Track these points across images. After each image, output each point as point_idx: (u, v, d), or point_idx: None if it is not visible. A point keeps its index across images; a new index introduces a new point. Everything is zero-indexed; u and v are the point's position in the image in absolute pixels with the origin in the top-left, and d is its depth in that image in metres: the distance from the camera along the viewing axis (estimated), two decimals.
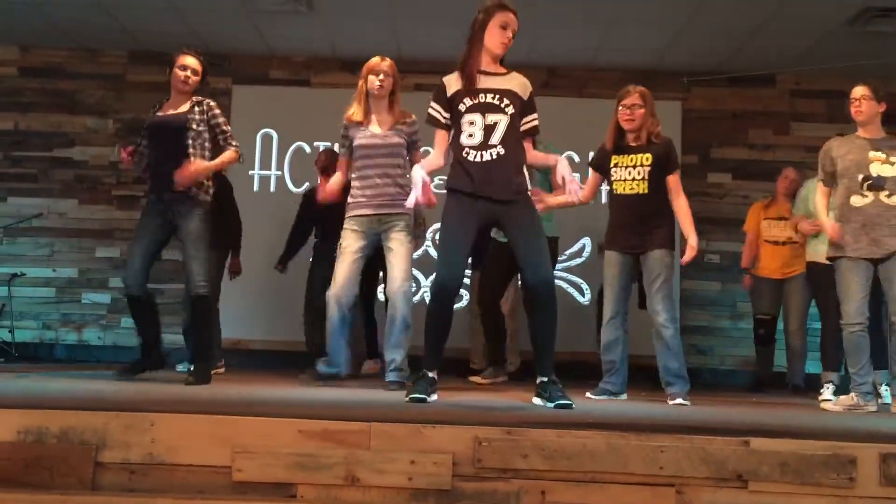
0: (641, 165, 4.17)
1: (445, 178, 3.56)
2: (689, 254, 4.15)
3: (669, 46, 6.94)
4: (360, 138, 4.37)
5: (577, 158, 6.72)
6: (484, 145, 3.42)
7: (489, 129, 3.43)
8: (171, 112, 4.27)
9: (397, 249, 4.29)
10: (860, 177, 4.15)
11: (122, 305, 7.16)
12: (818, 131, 7.34)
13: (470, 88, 3.46)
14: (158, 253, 4.27)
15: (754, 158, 7.45)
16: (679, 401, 3.98)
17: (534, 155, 3.63)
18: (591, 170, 4.46)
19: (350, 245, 4.32)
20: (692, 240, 4.14)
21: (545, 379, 3.38)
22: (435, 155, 3.58)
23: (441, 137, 3.57)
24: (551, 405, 3.25)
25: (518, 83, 3.52)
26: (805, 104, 7.48)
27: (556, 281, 6.69)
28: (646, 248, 4.14)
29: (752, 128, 7.47)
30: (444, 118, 3.53)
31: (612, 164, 4.23)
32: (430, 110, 3.55)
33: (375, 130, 4.38)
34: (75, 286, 7.41)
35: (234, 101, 7.42)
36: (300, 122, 7.40)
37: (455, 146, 3.50)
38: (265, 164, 7.43)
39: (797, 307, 5.85)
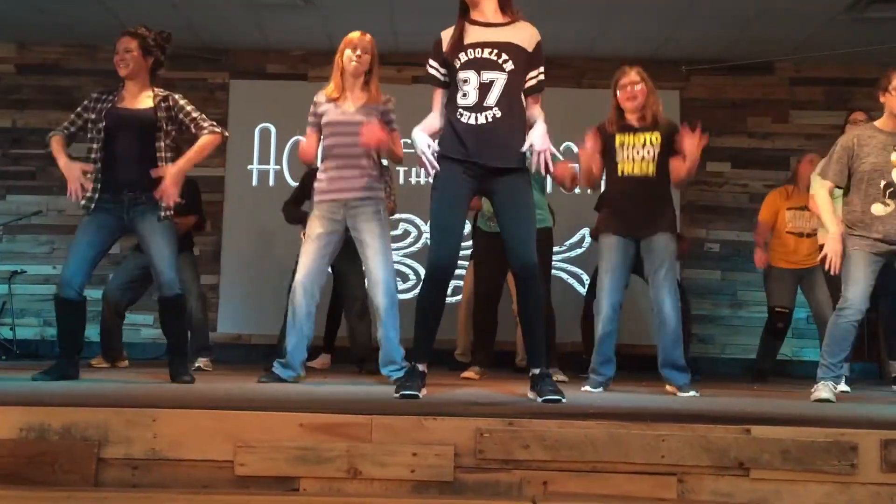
0: (651, 145, 3.97)
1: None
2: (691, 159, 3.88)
3: (668, 35, 6.92)
4: (330, 115, 4.04)
5: (575, 149, 6.70)
6: (478, 106, 3.16)
7: (485, 88, 3.15)
8: (136, 107, 3.90)
9: (370, 242, 3.96)
10: (882, 183, 3.79)
11: None
12: (817, 119, 7.35)
13: (465, 43, 3.19)
14: (102, 257, 3.91)
15: (753, 147, 7.44)
16: (692, 393, 3.84)
17: (533, 112, 3.30)
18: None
19: (314, 230, 3.97)
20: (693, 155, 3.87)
21: (536, 371, 3.22)
22: (432, 115, 3.32)
23: (439, 96, 3.32)
24: (540, 400, 3.08)
25: (523, 35, 3.22)
26: (804, 92, 7.47)
27: (555, 272, 6.70)
28: (650, 233, 3.95)
29: (751, 116, 7.46)
30: (442, 75, 3.26)
31: (617, 144, 4.01)
32: (428, 67, 3.31)
33: (347, 108, 4.04)
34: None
35: (231, 95, 7.41)
36: (298, 115, 7.27)
37: (449, 107, 3.25)
38: (264, 159, 7.42)
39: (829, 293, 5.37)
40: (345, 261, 5.05)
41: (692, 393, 3.85)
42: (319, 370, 5.41)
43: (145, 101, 3.92)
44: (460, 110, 3.18)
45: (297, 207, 5.46)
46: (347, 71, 4.05)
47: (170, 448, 2.47)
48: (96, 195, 3.82)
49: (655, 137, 3.97)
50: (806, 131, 7.33)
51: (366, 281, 4.12)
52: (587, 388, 4.01)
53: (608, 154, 4.05)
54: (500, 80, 3.16)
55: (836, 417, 2.80)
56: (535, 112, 3.29)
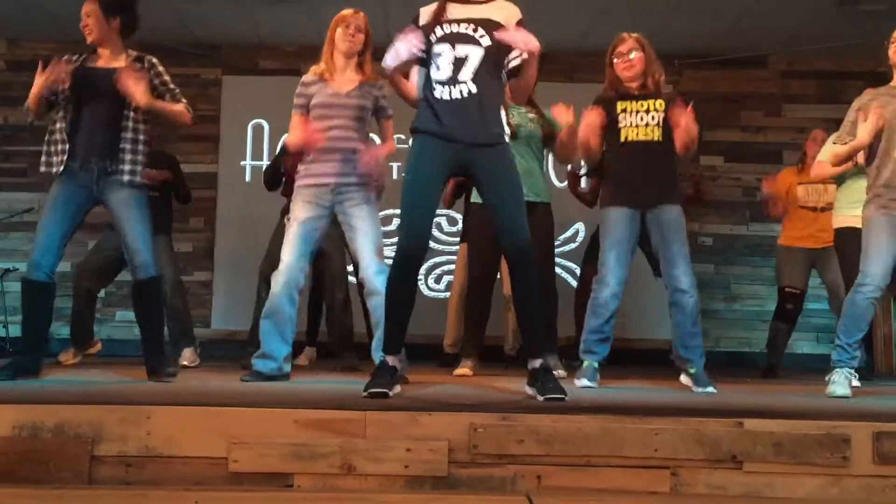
0: (655, 111, 3.79)
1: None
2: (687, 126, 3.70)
3: (660, 29, 6.90)
4: (320, 95, 3.84)
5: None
6: (452, 80, 3.04)
7: (459, 63, 3.04)
8: (106, 66, 3.63)
9: (361, 227, 3.75)
10: None
11: (116, 299, 7.17)
12: (810, 112, 7.35)
13: (442, 17, 3.11)
14: (74, 233, 3.61)
15: (747, 140, 7.45)
16: (711, 389, 3.64)
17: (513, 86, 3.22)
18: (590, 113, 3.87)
19: (300, 214, 3.77)
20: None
21: (536, 365, 3.03)
22: (410, 87, 3.20)
23: (415, 72, 3.20)
24: (541, 398, 2.91)
25: (503, 13, 3.12)
26: (797, 85, 7.48)
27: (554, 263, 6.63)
28: (658, 202, 3.73)
29: (743, 110, 7.47)
30: (421, 51, 3.10)
31: (619, 110, 3.81)
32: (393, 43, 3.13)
33: (339, 89, 3.84)
34: (68, 280, 7.31)
35: (224, 91, 7.39)
36: (291, 112, 7.36)
37: (426, 83, 3.14)
38: (257, 155, 7.40)
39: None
40: (328, 250, 5.00)
41: (710, 389, 3.64)
42: (305, 366, 5.35)
43: (118, 62, 3.66)
44: (434, 84, 3.08)
45: (277, 170, 5.28)
46: (340, 50, 3.89)
47: (163, 445, 2.47)
48: (62, 161, 3.52)
49: (659, 104, 3.80)
50: (798, 125, 7.33)
51: (355, 267, 3.90)
52: (587, 383, 3.75)
53: (610, 121, 3.83)
54: (474, 54, 3.04)
55: (828, 410, 2.82)
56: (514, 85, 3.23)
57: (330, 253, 5.03)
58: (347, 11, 3.95)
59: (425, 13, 3.17)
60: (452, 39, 3.06)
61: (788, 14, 6.57)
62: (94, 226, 7.27)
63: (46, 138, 3.64)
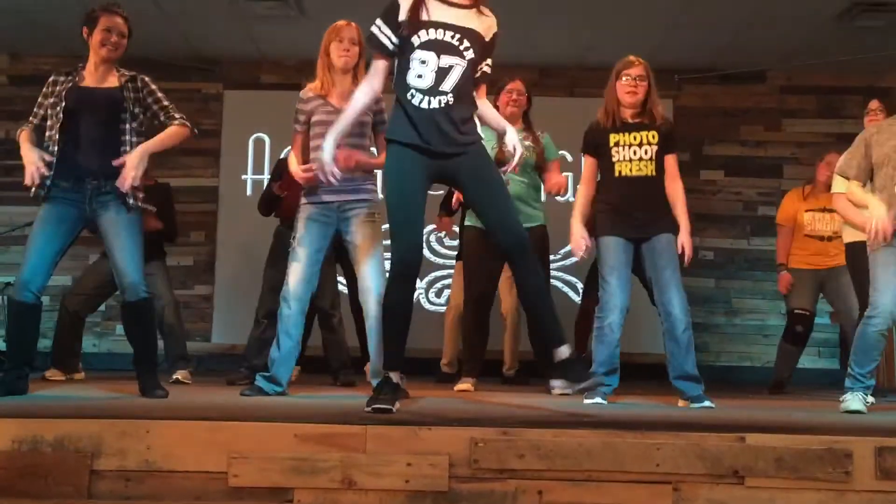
0: (648, 144, 3.77)
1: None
2: (688, 250, 3.74)
3: (660, 44, 6.95)
4: (320, 114, 3.78)
5: (570, 157, 6.72)
6: (433, 90, 2.99)
7: (442, 73, 2.98)
8: (101, 86, 3.57)
9: (363, 245, 3.71)
10: None
11: (115, 313, 7.14)
12: (809, 127, 7.38)
13: (425, 19, 2.99)
14: (63, 254, 3.56)
15: (746, 155, 7.46)
16: (707, 403, 3.65)
17: (486, 108, 3.22)
18: (585, 157, 3.92)
19: (305, 235, 3.73)
20: (686, 233, 3.76)
21: (565, 355, 2.96)
22: (369, 83, 3.12)
23: (382, 67, 3.09)
24: (577, 388, 2.93)
25: (484, 24, 3.08)
26: (796, 100, 7.50)
27: (550, 280, 6.66)
28: (652, 234, 3.75)
29: (743, 124, 7.49)
30: (392, 44, 3.03)
31: (612, 143, 3.79)
32: (376, 30, 3.06)
33: (338, 105, 3.73)
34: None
35: (225, 105, 7.41)
36: (292, 126, 7.39)
37: (399, 85, 3.04)
38: (258, 169, 7.42)
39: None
40: (322, 269, 4.97)
41: (706, 403, 3.66)
42: (293, 382, 5.31)
43: (111, 80, 3.60)
44: (413, 91, 3.00)
45: (271, 199, 5.25)
46: (336, 66, 3.83)
47: (163, 459, 2.46)
48: (49, 182, 3.45)
49: (652, 136, 3.78)
50: (798, 139, 7.36)
51: (350, 284, 3.86)
52: (599, 400, 3.70)
53: (602, 153, 3.84)
54: (458, 66, 3.00)
55: (830, 425, 2.81)
56: (488, 106, 3.25)
57: (326, 272, 5.01)
58: (340, 23, 3.88)
59: (405, 4, 3.03)
60: (438, 48, 2.99)
61: (787, 29, 6.60)
62: (91, 240, 7.35)
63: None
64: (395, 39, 3.03)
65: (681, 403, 3.81)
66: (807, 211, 5.39)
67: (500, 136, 3.25)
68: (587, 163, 3.92)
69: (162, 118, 3.63)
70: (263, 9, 6.42)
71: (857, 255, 4.38)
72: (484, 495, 2.44)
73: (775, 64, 7.25)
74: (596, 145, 3.87)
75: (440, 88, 2.99)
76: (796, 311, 5.41)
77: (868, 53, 6.70)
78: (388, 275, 3.09)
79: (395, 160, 3.04)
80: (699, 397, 3.71)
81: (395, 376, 3.05)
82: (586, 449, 2.46)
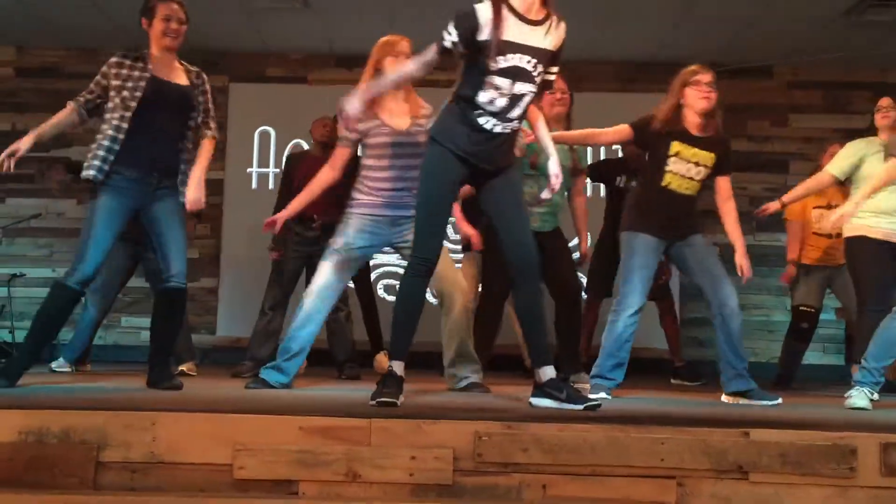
0: (704, 166, 3.72)
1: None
2: (747, 270, 3.78)
3: (666, 39, 6.93)
4: (377, 135, 3.73)
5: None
6: (502, 116, 2.98)
7: (514, 100, 2.97)
8: (175, 80, 3.59)
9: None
10: None
11: (122, 304, 7.17)
12: (816, 122, 7.35)
13: (507, 40, 2.91)
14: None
15: (753, 150, 7.43)
16: (778, 401, 3.60)
17: (541, 127, 3.20)
18: (626, 126, 3.80)
19: (353, 243, 3.74)
20: (743, 251, 3.80)
21: (550, 376, 3.01)
22: (424, 67, 3.03)
23: (435, 62, 3.01)
24: (580, 407, 2.87)
25: (556, 38, 3.03)
26: (803, 95, 7.47)
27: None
28: (687, 234, 3.74)
29: (750, 120, 7.46)
30: (459, 53, 2.95)
31: (671, 152, 3.68)
32: (447, 36, 2.92)
33: (395, 125, 3.73)
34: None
35: (230, 98, 7.41)
36: (298, 119, 7.36)
37: (466, 97, 2.98)
38: (263, 162, 7.42)
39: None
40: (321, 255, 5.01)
41: (779, 401, 3.60)
42: (299, 375, 5.34)
43: (180, 75, 3.62)
44: (481, 111, 2.97)
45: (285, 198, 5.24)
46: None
47: (168, 451, 2.47)
48: (114, 170, 3.42)
49: (710, 158, 3.73)
50: (805, 135, 7.33)
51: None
52: (601, 393, 3.64)
53: (655, 154, 3.74)
54: (528, 94, 3.00)
55: (835, 421, 2.80)
56: (542, 126, 3.22)
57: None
58: (394, 38, 3.77)
59: (484, 20, 2.90)
60: (514, 75, 2.94)
61: (794, 24, 6.57)
62: None
63: (96, 142, 3.52)
64: (462, 50, 2.95)
65: (726, 399, 3.74)
66: (814, 207, 5.35)
67: (543, 151, 3.23)
68: (623, 130, 3.79)
69: (200, 120, 3.64)
70: (269, 1, 6.42)
71: (855, 249, 4.38)
72: (488, 489, 2.45)
73: (782, 59, 7.22)
74: (649, 140, 3.76)
75: (508, 116, 3.00)
76: (801, 307, 5.39)
77: (876, 49, 6.67)
78: (408, 269, 3.11)
79: (437, 162, 3.04)
80: (763, 394, 3.66)
81: (399, 369, 3.04)
82: (591, 443, 2.46)
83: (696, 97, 3.68)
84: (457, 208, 4.86)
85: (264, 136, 7.43)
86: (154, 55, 3.59)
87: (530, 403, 3.04)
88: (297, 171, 5.13)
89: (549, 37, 3.02)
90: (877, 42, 6.67)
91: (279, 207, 5.32)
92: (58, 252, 7.39)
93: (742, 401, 3.65)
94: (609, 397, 3.66)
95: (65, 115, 3.61)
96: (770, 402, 3.61)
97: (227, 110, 7.37)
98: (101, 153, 3.45)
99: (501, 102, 2.96)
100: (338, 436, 2.48)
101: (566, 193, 4.66)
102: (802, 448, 2.46)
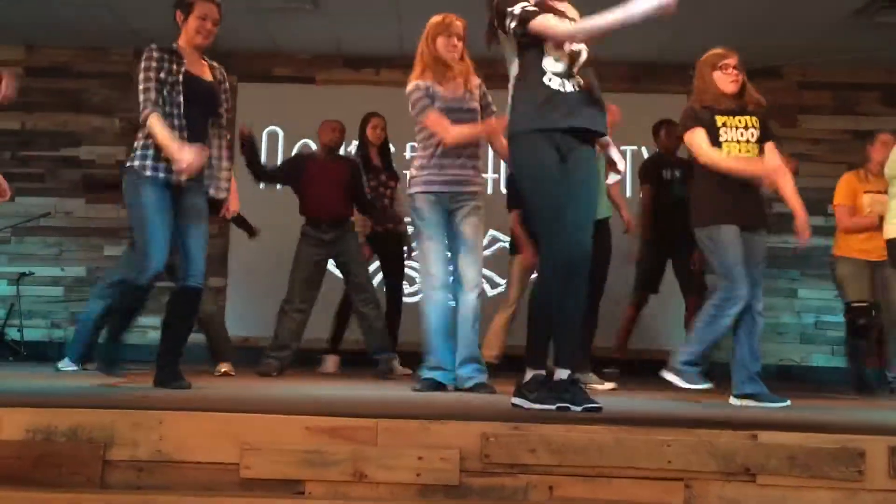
0: (753, 127, 3.77)
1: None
2: (808, 233, 3.80)
3: (674, 39, 6.91)
4: (437, 101, 3.82)
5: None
6: (567, 73, 2.97)
7: (573, 57, 2.99)
8: (204, 77, 3.64)
9: (469, 236, 3.80)
10: None
11: None
12: (825, 123, 7.33)
13: (552, 6, 3.02)
14: None
15: None
16: (786, 403, 3.61)
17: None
18: (694, 130, 3.75)
19: (430, 218, 3.78)
20: (804, 216, 3.80)
21: (564, 376, 2.94)
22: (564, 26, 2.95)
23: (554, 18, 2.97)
24: (579, 409, 2.84)
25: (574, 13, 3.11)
26: (812, 96, 7.45)
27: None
28: (756, 227, 3.75)
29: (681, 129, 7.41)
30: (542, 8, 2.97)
31: (719, 124, 3.74)
32: (518, 6, 2.95)
33: (453, 95, 3.84)
34: (83, 285, 7.43)
35: (238, 98, 7.42)
36: (305, 119, 7.39)
37: (529, 69, 2.98)
38: (271, 162, 7.39)
39: None
40: (347, 251, 5.12)
41: (787, 403, 3.60)
42: (332, 374, 5.40)
43: (205, 70, 3.67)
44: (550, 75, 2.96)
45: (263, 169, 5.55)
46: (444, 58, 3.84)
47: (175, 450, 2.47)
48: (165, 164, 3.45)
49: (754, 120, 3.79)
50: (814, 136, 7.32)
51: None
52: (689, 385, 3.65)
53: (707, 131, 3.75)
54: (584, 51, 3.02)
55: (843, 423, 2.79)
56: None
57: (352, 267, 5.16)
58: (449, 17, 3.86)
59: None
60: None
61: (804, 25, 6.55)
62: (106, 230, 7.41)
63: (145, 136, 3.51)
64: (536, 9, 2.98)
65: (734, 401, 3.72)
66: (866, 192, 5.23)
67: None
68: (698, 132, 3.75)
69: (217, 115, 3.67)
70: (278, 2, 6.43)
71: None
72: (495, 490, 2.44)
73: (791, 59, 7.20)
74: (702, 124, 3.76)
75: (572, 72, 2.99)
76: (854, 304, 5.22)
77: (886, 50, 6.64)
78: (540, 272, 3.04)
79: (528, 155, 2.94)
80: (773, 397, 3.65)
81: (542, 372, 2.97)
82: (598, 445, 2.45)
83: (726, 81, 3.79)
84: (515, 215, 4.90)
85: (272, 137, 7.45)
86: (183, 49, 3.60)
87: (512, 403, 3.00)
88: (302, 172, 5.20)
89: (574, 11, 3.11)
90: (886, 43, 6.64)
91: (259, 167, 5.56)
92: (66, 251, 7.42)
93: (750, 403, 3.64)
94: (711, 385, 3.69)
95: (164, 122, 3.47)
96: (779, 405, 3.60)
97: (234, 110, 7.38)
98: (145, 144, 3.48)
99: (564, 60, 2.97)
100: (344, 435, 2.48)
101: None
102: (810, 450, 2.45)
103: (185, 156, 3.36)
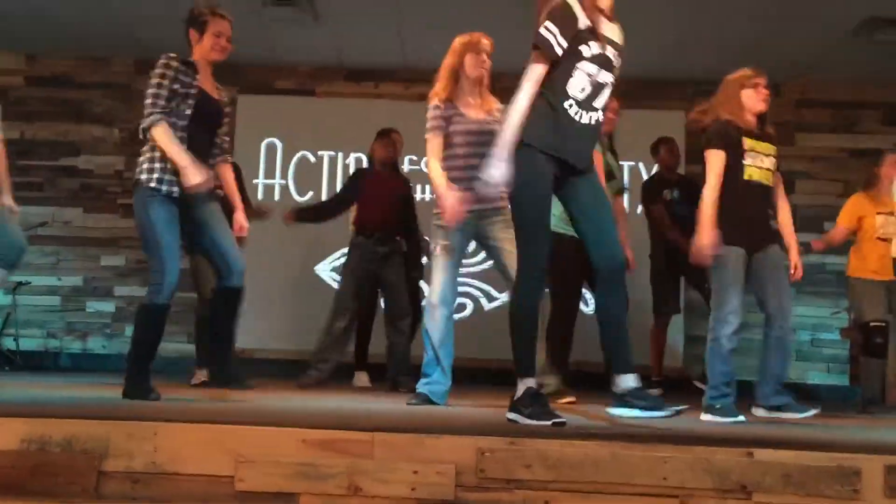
0: (773, 157, 3.84)
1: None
2: (800, 270, 3.86)
3: (673, 56, 6.95)
4: (459, 123, 3.84)
5: None
6: (588, 105, 2.96)
7: (598, 89, 2.97)
8: (214, 95, 3.66)
9: (511, 248, 3.70)
10: None
11: (126, 314, 7.19)
12: (823, 141, 7.35)
13: (596, 31, 2.96)
14: None
15: None
16: (813, 412, 3.68)
17: None
18: (715, 151, 3.77)
19: (449, 242, 3.81)
20: (797, 252, 3.87)
21: (630, 384, 2.97)
22: (532, 91, 2.91)
23: (542, 74, 2.92)
24: (666, 414, 2.90)
25: (621, 39, 3.10)
26: (810, 114, 7.47)
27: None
28: (766, 245, 3.79)
29: (705, 142, 7.44)
30: (561, 48, 2.90)
31: (746, 147, 3.76)
32: (549, 35, 2.89)
33: (474, 116, 3.86)
34: (80, 294, 7.43)
35: (239, 110, 7.44)
36: (305, 131, 7.44)
37: (554, 90, 2.94)
38: (269, 174, 7.45)
39: None
40: (395, 273, 5.15)
41: (814, 411, 3.67)
42: (361, 388, 5.41)
43: (213, 88, 3.68)
44: (571, 101, 2.94)
45: (333, 209, 5.66)
46: (471, 77, 3.86)
47: (170, 462, 2.46)
48: (174, 178, 3.44)
49: (775, 150, 3.86)
50: (811, 154, 7.34)
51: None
52: (740, 416, 3.66)
53: (732, 149, 3.75)
54: (610, 83, 3.01)
55: (839, 442, 2.79)
56: None
57: (395, 293, 5.22)
58: (477, 35, 3.89)
59: (578, 12, 2.95)
60: (602, 62, 2.97)
61: (803, 43, 6.59)
62: (104, 240, 7.40)
63: (151, 148, 3.51)
64: (565, 47, 2.92)
65: (758, 412, 3.78)
66: (878, 213, 5.21)
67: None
68: (719, 156, 3.76)
69: (217, 136, 3.71)
70: (279, 14, 6.46)
71: None
72: None
73: (790, 77, 7.23)
74: (728, 144, 3.77)
75: (593, 104, 2.98)
76: (872, 323, 5.20)
77: (884, 68, 6.68)
78: (521, 279, 3.03)
79: (530, 168, 2.94)
80: (800, 406, 3.71)
81: (535, 384, 2.98)
82: (594, 460, 2.45)
83: (756, 99, 3.81)
84: None
85: (271, 148, 7.47)
86: (198, 63, 3.62)
87: (608, 414, 3.01)
88: (361, 186, 5.33)
89: (620, 35, 3.10)
90: (885, 62, 6.67)
91: (319, 209, 5.72)
92: (64, 260, 7.42)
93: (780, 415, 3.71)
94: (744, 419, 3.66)
95: (171, 131, 3.48)
96: (806, 414, 3.67)
97: (234, 121, 7.40)
98: (153, 158, 3.48)
99: (588, 90, 2.96)
100: (340, 449, 2.47)
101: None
102: (806, 468, 2.44)
103: (197, 179, 3.40)
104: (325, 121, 7.39)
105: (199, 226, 3.56)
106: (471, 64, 3.83)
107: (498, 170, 2.90)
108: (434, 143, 3.86)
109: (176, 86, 3.49)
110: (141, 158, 3.53)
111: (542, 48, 2.91)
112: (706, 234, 3.64)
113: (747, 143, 3.77)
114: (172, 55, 3.57)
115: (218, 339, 3.67)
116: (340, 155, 7.48)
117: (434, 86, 3.92)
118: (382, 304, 5.57)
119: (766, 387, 3.81)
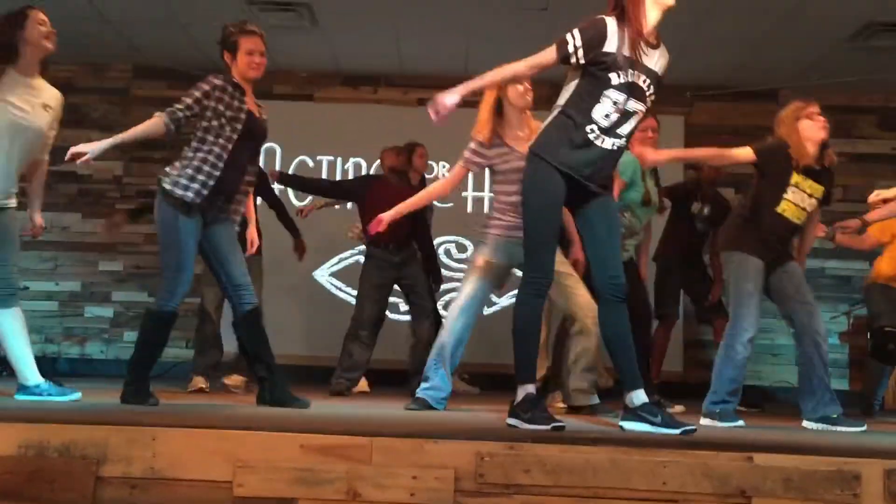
0: (816, 198, 3.84)
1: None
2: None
3: (673, 61, 6.91)
4: (506, 161, 3.80)
5: None
6: (612, 131, 2.95)
7: (625, 117, 2.95)
8: (258, 116, 3.68)
9: (566, 270, 3.87)
10: None
11: (124, 319, 7.19)
12: None
13: (628, 57, 2.93)
14: None
15: None
16: (864, 427, 3.69)
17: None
18: (750, 149, 3.90)
19: (488, 260, 3.84)
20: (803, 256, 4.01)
21: (642, 400, 2.98)
22: (529, 65, 3.00)
23: (547, 66, 2.98)
24: (677, 431, 2.86)
25: (662, 63, 3.09)
26: None
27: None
28: (785, 260, 3.86)
29: (754, 142, 7.46)
30: (577, 60, 2.92)
31: (792, 181, 3.79)
32: (571, 38, 2.91)
33: (521, 150, 3.63)
34: (78, 300, 7.41)
35: None
36: (303, 136, 7.43)
37: (578, 109, 2.95)
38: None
39: None
40: (414, 275, 5.26)
41: (864, 427, 3.68)
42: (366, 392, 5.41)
43: (257, 109, 3.70)
44: (594, 126, 2.94)
45: (324, 190, 5.77)
46: (516, 106, 3.82)
47: (169, 467, 2.46)
48: (204, 192, 3.47)
49: (821, 192, 3.85)
50: None
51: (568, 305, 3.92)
52: (727, 423, 3.67)
53: (776, 181, 3.82)
54: (639, 113, 3.00)
55: (839, 446, 2.79)
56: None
57: (417, 290, 5.28)
58: None
59: (612, 34, 2.94)
60: (631, 91, 2.95)
61: (800, 48, 6.60)
62: (101, 245, 7.39)
63: (194, 164, 3.51)
64: (583, 61, 2.93)
65: (809, 424, 3.78)
66: None
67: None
68: (747, 152, 3.89)
69: (258, 154, 3.83)
70: (276, 20, 6.46)
71: None
72: None
73: (788, 83, 7.24)
74: (775, 168, 3.83)
75: (617, 132, 2.97)
76: (887, 328, 5.20)
77: (882, 74, 6.69)
78: (525, 285, 3.05)
79: (542, 176, 2.97)
80: (848, 420, 3.72)
81: (533, 390, 3.01)
82: (593, 465, 2.45)
83: (815, 128, 3.85)
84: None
85: (270, 153, 7.46)
86: (241, 83, 3.62)
87: (621, 427, 3.01)
88: (369, 192, 5.26)
89: (659, 61, 3.08)
90: (882, 67, 6.68)
91: (308, 181, 5.88)
92: (62, 266, 7.41)
93: (830, 427, 3.69)
94: (744, 424, 3.70)
95: (152, 124, 3.53)
96: (858, 429, 3.65)
97: None
98: (201, 177, 3.48)
99: (614, 117, 2.95)
100: (338, 454, 2.47)
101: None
102: (806, 473, 2.44)
103: (84, 150, 3.55)
104: (323, 126, 7.40)
105: (214, 247, 3.60)
106: (515, 94, 3.78)
107: (450, 96, 2.93)
108: (458, 173, 3.92)
109: (219, 106, 3.51)
110: (178, 169, 3.52)
111: (559, 48, 2.94)
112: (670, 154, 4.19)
113: (794, 177, 3.79)
114: (218, 77, 3.57)
115: (265, 356, 3.66)
116: (339, 160, 7.48)
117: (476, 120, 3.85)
118: (392, 311, 5.56)
119: (814, 399, 3.80)
